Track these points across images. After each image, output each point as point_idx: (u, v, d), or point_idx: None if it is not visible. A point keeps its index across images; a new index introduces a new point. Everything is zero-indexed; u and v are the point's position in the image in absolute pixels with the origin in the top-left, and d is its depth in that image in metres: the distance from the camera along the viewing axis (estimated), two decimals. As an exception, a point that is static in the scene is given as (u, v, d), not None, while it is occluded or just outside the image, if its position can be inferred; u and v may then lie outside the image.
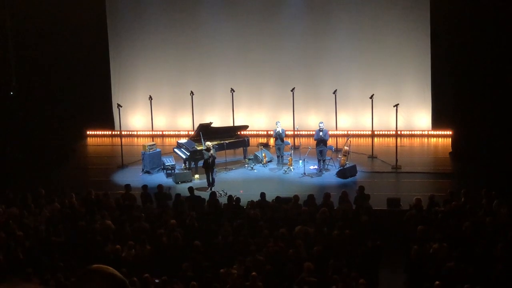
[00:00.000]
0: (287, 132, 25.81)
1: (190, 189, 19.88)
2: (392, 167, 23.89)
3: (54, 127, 27.43)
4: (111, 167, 25.15)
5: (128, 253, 15.55)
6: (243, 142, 24.80)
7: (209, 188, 21.78)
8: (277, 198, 18.90)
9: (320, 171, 23.44)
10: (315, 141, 23.51)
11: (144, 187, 19.93)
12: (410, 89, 27.62)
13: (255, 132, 27.95)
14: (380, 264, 16.27)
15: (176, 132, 28.91)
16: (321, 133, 23.18)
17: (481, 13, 24.83)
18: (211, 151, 22.34)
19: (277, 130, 23.98)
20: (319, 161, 23.49)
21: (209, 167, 22.25)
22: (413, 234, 16.55)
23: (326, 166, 23.70)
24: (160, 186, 19.83)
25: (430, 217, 17.49)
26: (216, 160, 22.81)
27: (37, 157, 25.19)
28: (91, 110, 28.70)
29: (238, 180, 23.16)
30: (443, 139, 27.51)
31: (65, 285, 13.99)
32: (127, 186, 20.02)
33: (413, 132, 27.83)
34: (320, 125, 23.39)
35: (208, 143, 22.65)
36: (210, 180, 22.19)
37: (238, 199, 18.85)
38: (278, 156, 24.28)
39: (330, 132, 24.45)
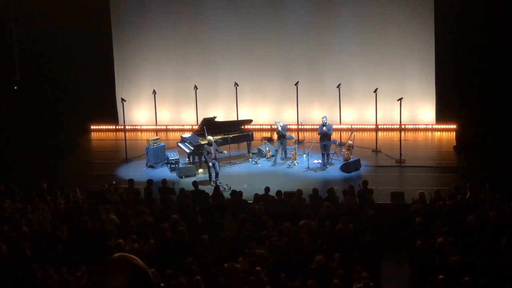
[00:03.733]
0: (291, 127, 25.87)
1: (194, 183, 19.88)
2: (396, 161, 23.86)
3: (58, 122, 27.44)
4: (115, 161, 25.17)
5: (131, 247, 15.56)
6: (247, 136, 24.80)
7: (211, 182, 21.81)
8: (278, 192, 18.86)
9: (324, 165, 23.41)
10: (319, 136, 23.46)
11: (149, 181, 19.92)
12: (414, 83, 27.59)
13: (259, 126, 27.96)
14: (382, 258, 16.27)
15: (180, 127, 28.91)
16: (324, 128, 23.10)
17: (485, 6, 24.76)
18: (212, 145, 22.37)
19: (278, 128, 23.84)
20: (323, 155, 23.43)
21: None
22: (417, 226, 16.54)
23: (330, 160, 23.66)
24: (164, 181, 19.83)
25: (434, 211, 17.47)
26: (219, 155, 22.82)
27: (41, 152, 25.22)
28: (95, 105, 28.70)
29: (242, 175, 23.15)
30: (447, 133, 27.47)
31: (68, 279, 14.03)
32: (130, 181, 20.04)
33: (417, 126, 27.79)
34: (323, 119, 23.31)
35: (210, 138, 22.64)
36: (213, 174, 22.18)
37: (240, 193, 18.84)
38: (283, 151, 24.26)
39: (334, 126, 24.43)
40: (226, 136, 24.26)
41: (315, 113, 28.04)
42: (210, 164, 22.18)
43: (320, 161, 23.78)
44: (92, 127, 29.48)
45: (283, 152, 24.28)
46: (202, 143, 23.43)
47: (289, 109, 27.58)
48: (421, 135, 27.70)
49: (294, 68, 28.05)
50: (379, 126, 26.89)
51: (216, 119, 24.81)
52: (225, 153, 23.03)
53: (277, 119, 24.75)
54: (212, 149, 22.22)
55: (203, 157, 23.10)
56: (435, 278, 13.58)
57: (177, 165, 23.50)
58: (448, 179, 21.50)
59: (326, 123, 23.14)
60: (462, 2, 25.43)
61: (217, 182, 21.68)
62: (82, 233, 16.80)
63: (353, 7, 27.66)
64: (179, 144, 24.76)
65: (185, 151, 24.15)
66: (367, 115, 27.54)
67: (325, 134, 23.09)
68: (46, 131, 26.75)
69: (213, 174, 22.14)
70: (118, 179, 22.26)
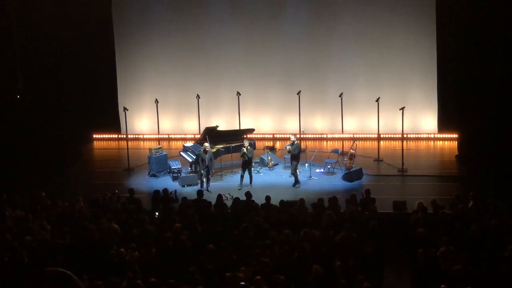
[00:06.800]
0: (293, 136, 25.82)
1: (199, 192, 19.87)
2: (398, 170, 23.86)
3: (61, 131, 27.47)
4: (117, 170, 25.19)
5: (131, 256, 15.55)
6: (250, 146, 24.76)
7: (205, 190, 21.77)
8: (281, 201, 18.87)
9: (296, 185, 22.65)
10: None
11: (156, 192, 19.89)
12: (416, 92, 27.62)
13: (261, 136, 27.98)
14: (384, 267, 16.23)
15: (182, 136, 28.97)
16: (289, 147, 22.70)
17: (487, 15, 24.79)
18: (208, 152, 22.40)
19: (243, 151, 22.78)
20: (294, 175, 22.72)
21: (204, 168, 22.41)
22: (419, 237, 16.51)
23: (297, 185, 22.72)
24: (165, 190, 19.85)
25: (436, 220, 17.44)
26: (222, 164, 22.79)
27: (43, 160, 25.23)
28: (97, 114, 28.79)
29: (244, 183, 23.09)
30: (449, 142, 27.48)
31: None
32: (130, 191, 20.04)
33: (419, 135, 27.83)
34: (291, 137, 22.93)
35: (206, 144, 22.66)
36: (205, 179, 22.34)
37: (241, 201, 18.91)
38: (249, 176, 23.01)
39: (335, 135, 24.32)
40: (228, 145, 24.26)
41: (317, 122, 28.11)
42: (202, 171, 22.27)
43: (322, 170, 23.81)
44: (94, 136, 29.53)
45: (249, 176, 22.98)
46: (205, 152, 23.49)
47: (291, 118, 27.62)
48: (423, 144, 27.70)
49: (296, 77, 28.10)
50: (381, 135, 26.93)
51: (218, 128, 24.82)
52: (212, 170, 22.67)
53: (246, 143, 23.17)
54: (206, 157, 22.26)
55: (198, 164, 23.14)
56: (437, 288, 13.55)
57: (179, 174, 23.52)
58: (450, 188, 21.49)
59: (294, 141, 22.60)
60: (465, 11, 25.45)
61: (208, 189, 22.00)
62: (84, 242, 16.79)
63: (355, 17, 27.71)
64: (181, 153, 24.79)
65: (187, 160, 24.17)
66: (369, 124, 27.56)
67: (292, 155, 22.58)
68: (48, 140, 26.78)
69: (205, 181, 22.30)
70: (120, 188, 22.26)
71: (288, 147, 22.86)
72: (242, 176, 22.76)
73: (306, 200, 18.87)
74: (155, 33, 28.87)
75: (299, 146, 22.76)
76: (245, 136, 25.18)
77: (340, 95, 25.81)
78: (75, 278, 3.62)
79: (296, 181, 22.67)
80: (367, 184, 22.25)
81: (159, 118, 27.79)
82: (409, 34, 27.42)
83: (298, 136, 23.38)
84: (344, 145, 26.33)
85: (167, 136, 29.12)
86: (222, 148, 24.03)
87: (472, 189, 19.29)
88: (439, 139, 27.86)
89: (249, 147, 22.90)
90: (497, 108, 24.42)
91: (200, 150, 23.16)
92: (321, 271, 14.45)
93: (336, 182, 23.05)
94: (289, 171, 23.65)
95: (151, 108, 28.05)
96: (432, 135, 27.89)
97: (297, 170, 22.74)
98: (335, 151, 24.86)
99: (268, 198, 18.93)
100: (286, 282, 14.16)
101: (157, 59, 29.08)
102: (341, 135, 26.95)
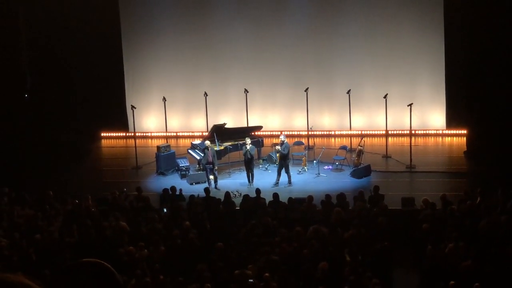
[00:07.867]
0: (301, 132, 25.73)
1: (206, 190, 19.89)
2: (407, 167, 23.81)
3: (69, 129, 27.50)
4: (125, 168, 25.22)
5: (140, 254, 15.58)
6: (257, 143, 24.75)
7: (210, 186, 21.69)
8: (290, 199, 18.87)
9: (276, 183, 22.46)
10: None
11: (165, 190, 19.94)
12: (424, 88, 27.53)
13: (269, 133, 27.93)
14: (393, 264, 16.22)
15: (190, 133, 28.95)
16: (278, 147, 22.59)
17: (495, 11, 24.71)
18: (209, 149, 22.38)
19: (246, 148, 22.62)
20: (287, 175, 22.51)
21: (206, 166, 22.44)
22: (428, 233, 16.49)
23: (290, 184, 22.61)
24: (173, 188, 19.88)
25: (445, 216, 17.41)
26: (229, 161, 22.77)
27: (52, 159, 25.27)
28: (105, 112, 28.77)
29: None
30: (457, 138, 27.38)
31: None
32: (138, 189, 20.08)
33: (427, 132, 27.73)
34: (281, 138, 22.83)
35: (207, 142, 22.64)
36: (210, 178, 22.28)
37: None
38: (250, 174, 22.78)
39: (343, 132, 24.32)
40: (236, 142, 24.23)
41: (325, 119, 28.07)
42: (207, 169, 22.28)
43: (330, 167, 23.79)
44: (102, 134, 29.54)
45: (250, 175, 22.72)
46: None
47: (299, 115, 27.57)
48: (431, 140, 27.62)
49: (303, 74, 28.04)
50: (389, 132, 26.85)
51: (226, 126, 24.80)
52: (216, 168, 22.55)
53: (248, 139, 23.12)
54: (209, 154, 22.25)
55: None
56: (446, 284, 13.53)
57: (187, 172, 23.52)
58: (459, 185, 21.43)
59: (283, 141, 22.43)
60: (472, 7, 25.37)
61: (216, 186, 21.96)
62: (92, 240, 16.82)
63: (362, 13, 27.65)
64: (189, 151, 24.78)
65: (195, 158, 24.16)
66: (377, 121, 27.48)
67: (281, 154, 22.40)
68: (56, 138, 26.81)
69: (212, 179, 22.26)
70: (128, 187, 22.29)
71: (277, 147, 22.80)
72: (248, 174, 22.73)
73: (314, 197, 18.87)
74: (162, 31, 28.87)
75: (288, 146, 22.64)
76: (253, 133, 25.19)
77: (348, 92, 25.74)
78: (114, 271, 3.57)
79: (289, 181, 22.54)
80: (375, 181, 22.18)
81: (167, 116, 27.76)
82: (417, 30, 27.33)
83: (295, 134, 23.27)
84: (352, 142, 26.27)
85: (175, 134, 29.10)
86: (230, 145, 24.01)
87: (481, 185, 19.24)
88: (447, 135, 27.77)
89: (251, 144, 22.84)
90: (505, 104, 24.34)
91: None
92: (327, 268, 14.46)
93: (344, 179, 23.01)
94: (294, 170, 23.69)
95: (159, 106, 28.03)
96: (440, 131, 27.79)
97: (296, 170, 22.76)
98: (343, 148, 24.81)
99: (276, 195, 18.94)
100: (294, 279, 14.17)
101: (164, 57, 29.07)
102: (349, 132, 26.87)
